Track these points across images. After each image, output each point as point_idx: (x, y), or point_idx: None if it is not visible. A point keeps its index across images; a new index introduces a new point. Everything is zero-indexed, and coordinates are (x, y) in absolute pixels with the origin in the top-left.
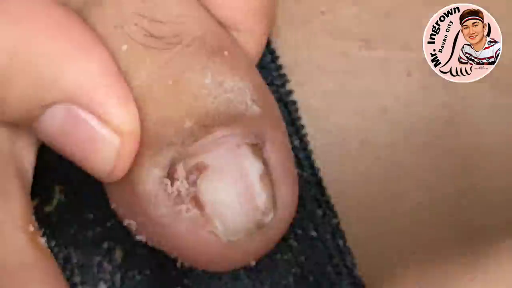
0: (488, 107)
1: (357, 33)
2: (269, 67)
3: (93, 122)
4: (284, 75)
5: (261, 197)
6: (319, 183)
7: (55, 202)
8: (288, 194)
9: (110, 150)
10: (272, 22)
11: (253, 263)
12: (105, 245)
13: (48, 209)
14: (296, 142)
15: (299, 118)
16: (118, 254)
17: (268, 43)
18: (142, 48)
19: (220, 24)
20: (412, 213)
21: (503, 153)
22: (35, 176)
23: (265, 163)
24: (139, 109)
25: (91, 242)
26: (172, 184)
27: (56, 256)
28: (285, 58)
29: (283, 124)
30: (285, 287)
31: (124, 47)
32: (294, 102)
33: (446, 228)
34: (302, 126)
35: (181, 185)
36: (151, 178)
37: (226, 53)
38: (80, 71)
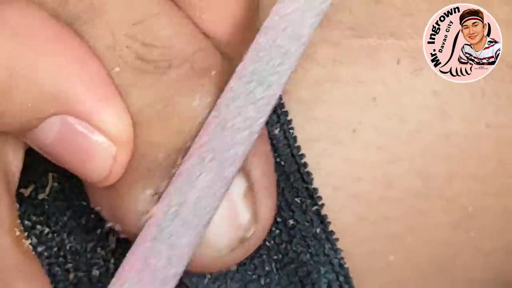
0: (478, 95)
1: (346, 21)
2: None
3: (90, 132)
4: None
5: (244, 215)
6: (298, 170)
7: (48, 189)
8: (269, 206)
9: (106, 158)
10: (254, 32)
11: (234, 268)
12: (98, 231)
13: (41, 196)
14: (277, 131)
15: (281, 105)
16: (111, 240)
17: None
18: (134, 71)
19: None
20: (404, 200)
21: (493, 140)
22: (29, 163)
23: (248, 178)
24: None
25: (84, 229)
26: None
27: (49, 243)
28: None
29: (266, 131)
30: (268, 273)
31: (117, 69)
32: None
33: (438, 214)
34: (284, 113)
35: None
36: (142, 199)
37: (213, 72)
38: (77, 84)
